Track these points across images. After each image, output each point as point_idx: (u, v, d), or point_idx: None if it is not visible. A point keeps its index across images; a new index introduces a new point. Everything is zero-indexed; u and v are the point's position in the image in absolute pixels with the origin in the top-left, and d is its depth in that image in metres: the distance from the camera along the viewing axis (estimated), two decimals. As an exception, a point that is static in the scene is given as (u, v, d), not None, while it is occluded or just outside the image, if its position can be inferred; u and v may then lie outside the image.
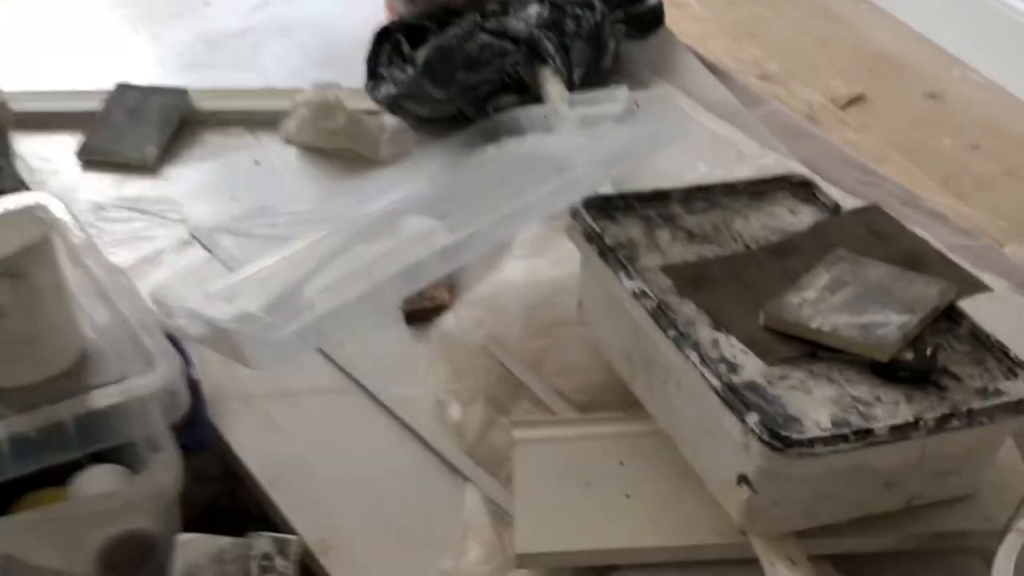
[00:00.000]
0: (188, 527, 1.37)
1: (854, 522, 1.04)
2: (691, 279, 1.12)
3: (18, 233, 1.09)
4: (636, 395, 1.15)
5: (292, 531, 1.17)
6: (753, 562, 1.01)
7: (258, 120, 1.72)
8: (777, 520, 1.00)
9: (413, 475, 1.22)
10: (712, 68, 1.92)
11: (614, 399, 1.21)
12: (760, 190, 1.26)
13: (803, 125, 1.86)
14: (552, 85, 1.63)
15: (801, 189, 1.28)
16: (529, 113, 1.53)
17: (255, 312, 1.19)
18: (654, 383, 1.11)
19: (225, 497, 1.33)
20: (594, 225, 1.16)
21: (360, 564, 1.14)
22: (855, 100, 2.24)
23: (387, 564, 1.14)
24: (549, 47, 1.67)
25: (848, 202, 1.40)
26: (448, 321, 1.33)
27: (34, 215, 1.15)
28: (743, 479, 0.98)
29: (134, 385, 1.11)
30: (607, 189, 1.25)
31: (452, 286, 1.43)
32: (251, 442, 1.26)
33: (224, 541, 1.02)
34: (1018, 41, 2.06)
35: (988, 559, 0.99)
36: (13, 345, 1.10)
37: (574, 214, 1.17)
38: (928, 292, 1.10)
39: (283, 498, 1.20)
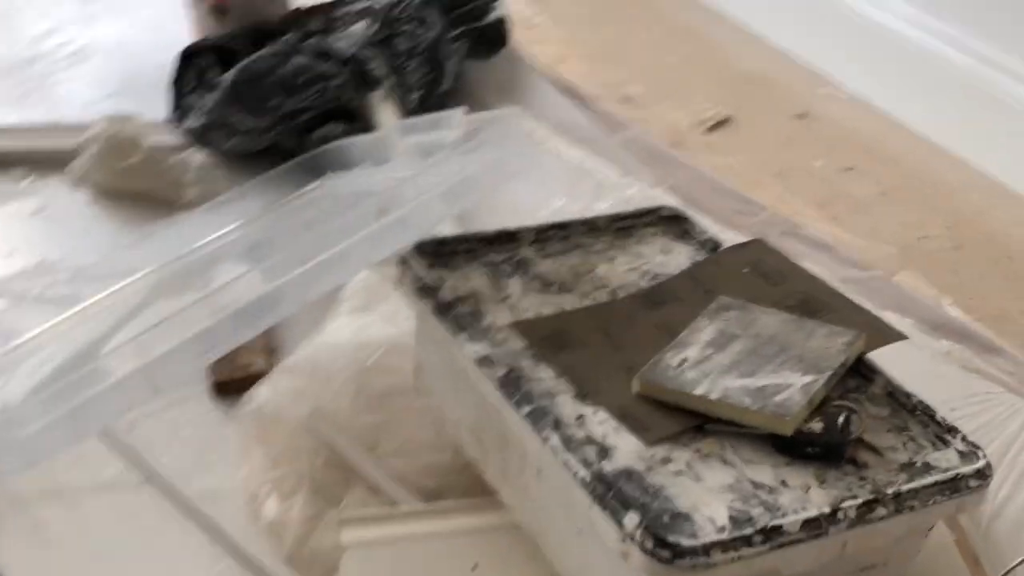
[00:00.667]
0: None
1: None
2: (549, 338, 0.91)
3: None
4: (490, 482, 0.94)
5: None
6: None
7: (42, 161, 1.48)
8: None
9: (219, 591, 0.99)
10: (567, 91, 1.73)
11: (467, 483, 1.00)
12: (626, 226, 1.07)
13: (670, 151, 1.68)
14: (383, 111, 1.42)
15: (673, 224, 1.09)
16: (357, 144, 1.31)
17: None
18: (510, 469, 0.90)
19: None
20: (427, 276, 0.95)
21: None
22: (722, 123, 2.08)
23: None
24: (379, 68, 1.46)
25: (727, 236, 1.22)
26: (263, 393, 1.10)
27: None
28: (624, 595, 0.78)
29: None
30: (443, 230, 1.04)
31: (270, 349, 1.20)
32: (14, 557, 1.01)
33: None
34: (887, 56, 1.93)
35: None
36: None
37: (403, 262, 0.96)
38: (833, 345, 0.91)
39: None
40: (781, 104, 2.07)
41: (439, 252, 0.98)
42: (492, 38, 1.64)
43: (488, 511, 0.96)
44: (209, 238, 1.24)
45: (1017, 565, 0.76)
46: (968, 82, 1.70)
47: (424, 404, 1.03)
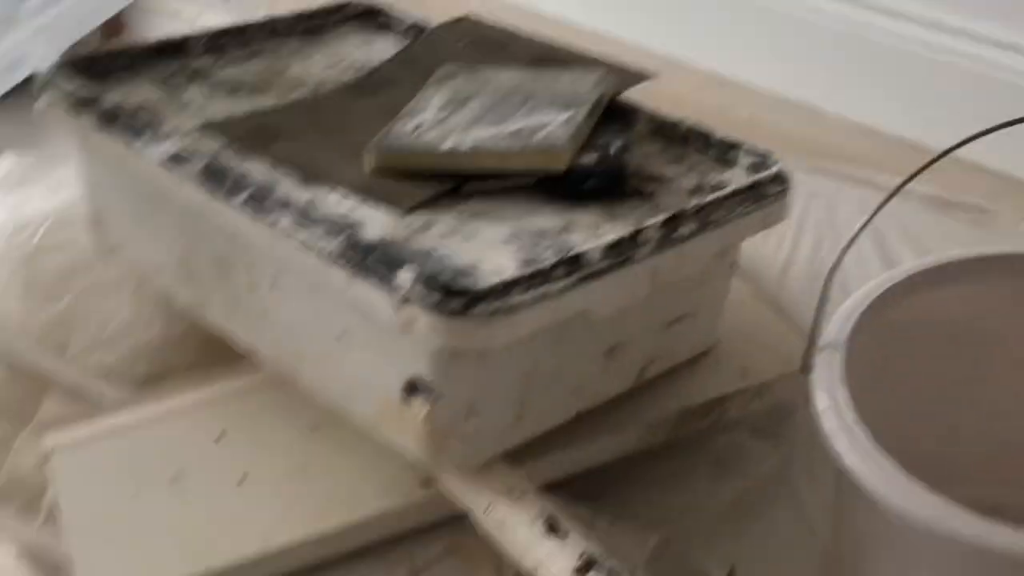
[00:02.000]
0: None
1: (579, 428, 0.70)
2: (251, 133, 0.74)
3: None
4: (216, 325, 0.76)
5: None
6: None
7: None
8: (477, 438, 0.64)
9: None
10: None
11: (190, 357, 0.82)
12: (315, 26, 0.91)
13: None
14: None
15: (368, 18, 0.94)
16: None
17: None
18: (239, 293, 0.72)
19: None
20: (81, 90, 0.75)
21: None
22: None
23: None
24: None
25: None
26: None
27: None
28: (413, 387, 0.62)
29: None
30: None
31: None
32: None
33: None
34: None
35: (759, 429, 0.69)
36: None
37: (45, 84, 0.76)
38: (582, 85, 0.78)
39: None
40: None
41: (92, 69, 0.79)
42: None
43: (230, 377, 0.78)
44: None
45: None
46: None
47: (115, 273, 0.84)
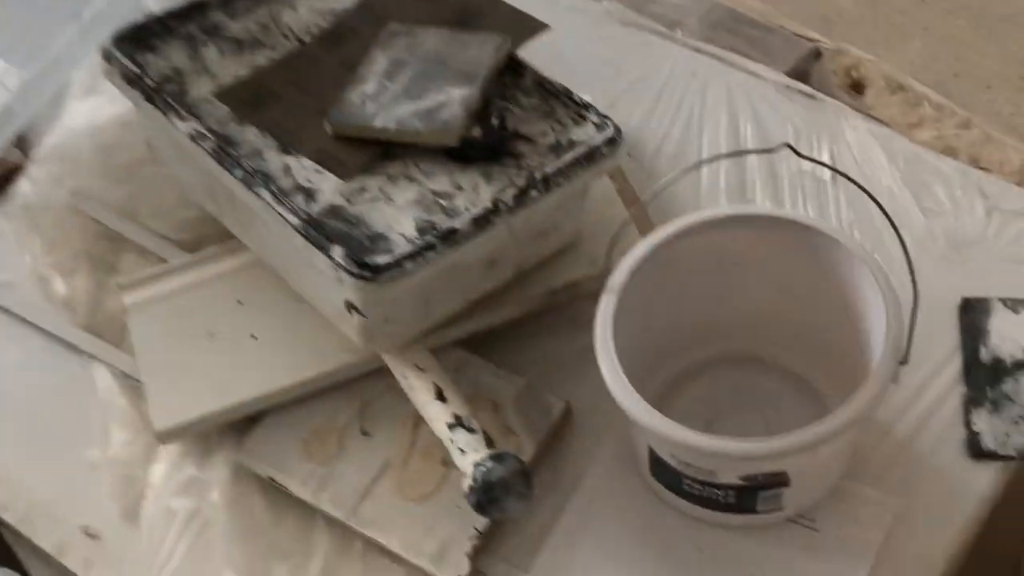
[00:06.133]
0: None
1: (472, 304, 1.05)
2: (248, 100, 1.06)
3: None
4: (232, 231, 1.11)
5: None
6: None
7: None
8: (394, 334, 1.00)
9: (35, 367, 1.16)
10: None
11: (220, 229, 1.15)
12: (300, -30, 1.19)
13: None
14: None
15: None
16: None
17: None
18: (244, 221, 1.07)
19: None
20: (131, 65, 1.06)
21: (4, 478, 1.09)
22: None
23: (31, 469, 1.10)
24: None
25: None
26: (24, 187, 1.24)
27: None
28: (350, 306, 0.97)
29: None
30: (146, 11, 1.14)
31: (22, 138, 1.31)
32: None
33: None
34: None
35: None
36: None
37: (107, 56, 1.07)
38: (484, 52, 1.07)
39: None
40: None
41: (139, 36, 1.08)
42: None
43: (242, 252, 1.13)
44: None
45: (660, 189, 0.96)
46: None
47: (166, 171, 1.18)
